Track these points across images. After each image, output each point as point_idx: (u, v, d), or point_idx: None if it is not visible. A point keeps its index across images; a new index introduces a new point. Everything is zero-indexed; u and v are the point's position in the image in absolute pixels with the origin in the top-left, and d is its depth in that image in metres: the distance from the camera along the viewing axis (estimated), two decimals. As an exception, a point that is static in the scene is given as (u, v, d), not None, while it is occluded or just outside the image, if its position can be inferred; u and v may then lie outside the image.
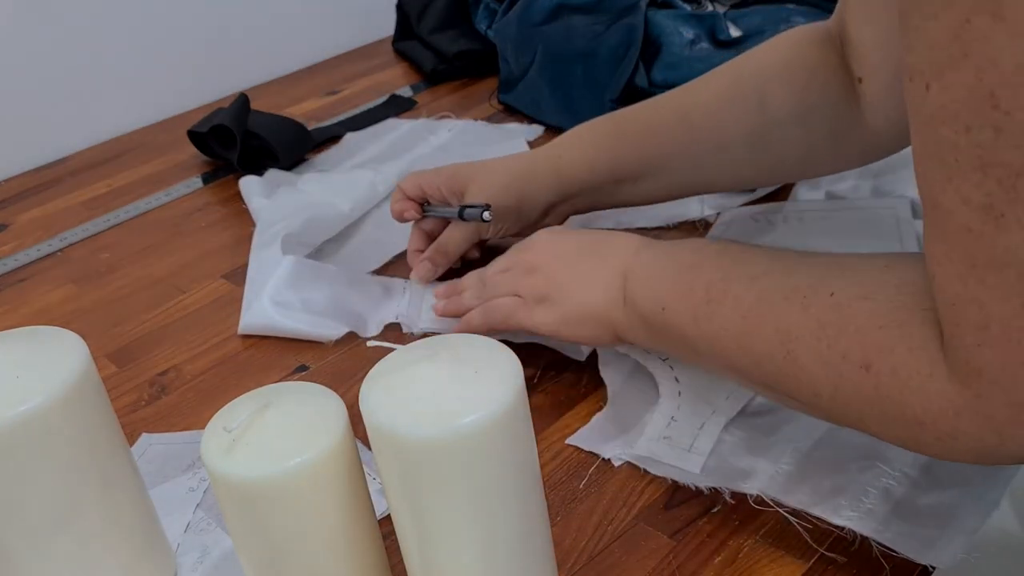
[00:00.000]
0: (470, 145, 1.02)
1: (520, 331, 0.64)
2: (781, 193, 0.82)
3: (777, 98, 0.67)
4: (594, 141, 0.74)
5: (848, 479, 0.53)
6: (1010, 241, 0.36)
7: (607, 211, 0.83)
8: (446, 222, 0.78)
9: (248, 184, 0.96)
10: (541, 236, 0.67)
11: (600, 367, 0.65)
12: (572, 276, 0.62)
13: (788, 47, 0.69)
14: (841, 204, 0.78)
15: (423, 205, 0.78)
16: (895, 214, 0.74)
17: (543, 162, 0.75)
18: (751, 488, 0.54)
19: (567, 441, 0.60)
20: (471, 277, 0.70)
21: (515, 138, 1.01)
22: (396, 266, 0.82)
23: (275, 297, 0.76)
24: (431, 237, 0.79)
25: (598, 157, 0.73)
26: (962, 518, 0.50)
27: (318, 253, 0.84)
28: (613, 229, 0.82)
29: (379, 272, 0.82)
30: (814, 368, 0.47)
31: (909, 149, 0.88)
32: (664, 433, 0.59)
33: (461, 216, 0.74)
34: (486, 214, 0.71)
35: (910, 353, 0.42)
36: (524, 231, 0.75)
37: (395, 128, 1.08)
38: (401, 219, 0.78)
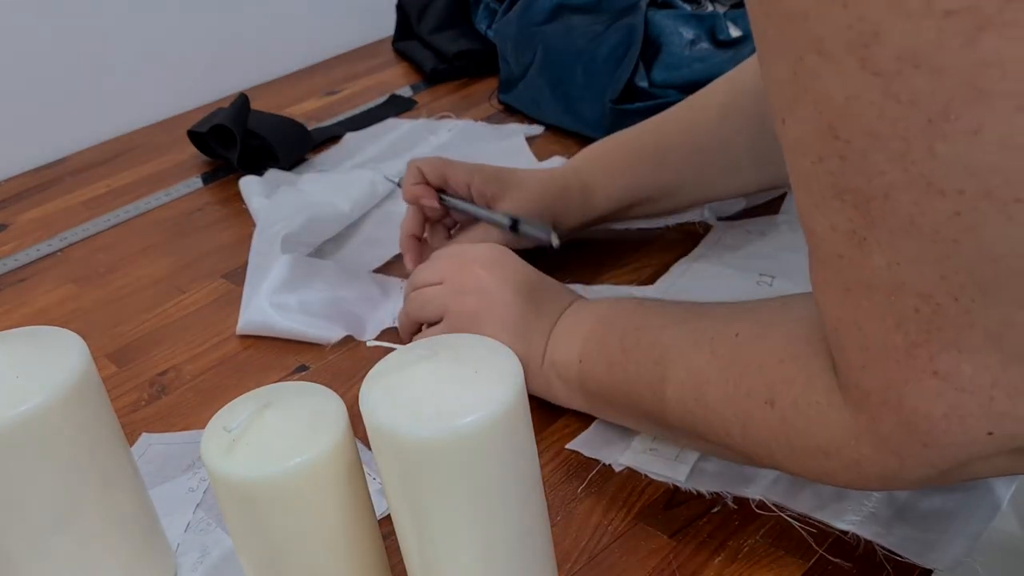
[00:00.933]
0: (471, 144, 1.02)
1: None
2: (779, 198, 0.82)
3: None
4: (616, 168, 0.75)
5: None
6: (875, 263, 0.36)
7: None
8: (446, 211, 0.76)
9: (248, 184, 0.96)
10: (477, 256, 0.63)
11: None
12: (502, 322, 0.60)
13: None
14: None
15: (441, 195, 0.75)
16: None
17: (576, 189, 0.74)
18: (753, 493, 0.54)
19: (568, 446, 0.60)
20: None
21: (514, 136, 1.01)
22: (395, 266, 0.82)
23: (272, 298, 0.76)
24: (426, 221, 0.77)
25: (622, 185, 0.74)
26: (964, 521, 0.50)
27: (318, 253, 0.84)
28: (614, 230, 0.83)
29: (378, 271, 0.82)
30: (723, 409, 0.48)
31: None
32: (651, 445, 0.59)
33: (514, 229, 0.71)
34: (555, 239, 0.70)
35: (808, 383, 0.43)
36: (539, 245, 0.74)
37: (395, 128, 1.08)
38: (415, 203, 0.75)
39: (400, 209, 0.88)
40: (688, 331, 0.51)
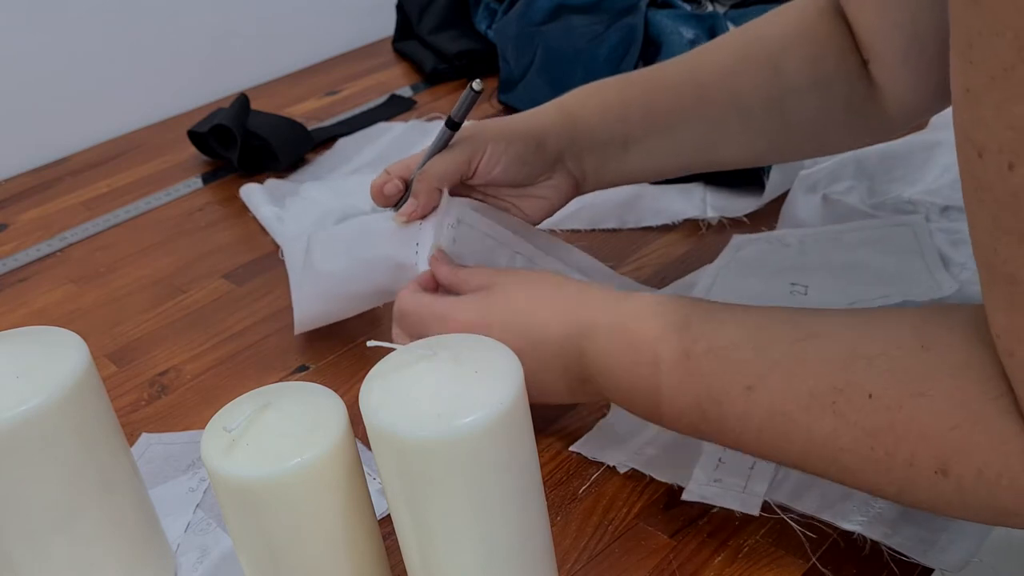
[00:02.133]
0: None
1: None
2: (779, 199, 0.82)
3: (792, 65, 0.64)
4: (604, 92, 0.68)
5: None
6: None
7: (611, 209, 0.83)
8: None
9: (251, 192, 0.96)
10: (461, 308, 0.58)
11: None
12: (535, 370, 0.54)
13: (797, 18, 0.66)
14: (854, 225, 0.76)
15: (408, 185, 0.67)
16: (912, 230, 0.73)
17: (555, 112, 0.67)
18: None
19: (571, 449, 0.60)
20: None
21: None
22: None
23: (316, 286, 0.71)
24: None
25: (608, 106, 0.67)
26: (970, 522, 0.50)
27: None
28: (618, 229, 0.83)
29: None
30: (871, 475, 0.43)
31: (900, 143, 0.87)
32: (714, 476, 0.56)
33: (453, 127, 0.63)
34: (477, 83, 0.60)
35: (995, 450, 0.38)
36: (525, 182, 0.66)
37: (388, 131, 1.08)
38: (380, 194, 0.66)
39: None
40: (789, 395, 0.44)
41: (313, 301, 0.71)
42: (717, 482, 0.55)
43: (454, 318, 0.57)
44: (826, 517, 0.51)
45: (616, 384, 0.52)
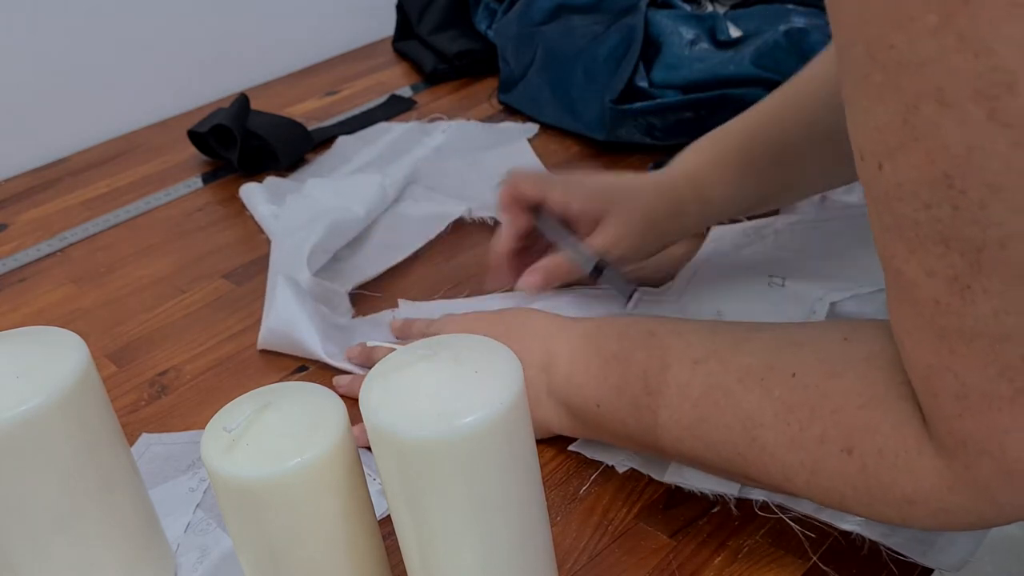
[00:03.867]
0: (469, 147, 1.02)
1: None
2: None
3: None
4: (736, 172, 0.69)
5: None
6: (978, 312, 0.35)
7: None
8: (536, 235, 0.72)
9: (250, 192, 0.95)
10: (457, 319, 0.64)
11: None
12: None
13: None
14: (831, 214, 0.77)
15: (538, 215, 0.70)
16: None
17: (692, 200, 0.69)
18: (757, 494, 0.53)
19: (570, 448, 0.59)
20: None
21: (515, 140, 1.01)
22: (408, 267, 0.82)
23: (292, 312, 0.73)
24: (523, 238, 0.72)
25: (744, 192, 0.69)
26: None
27: (334, 260, 0.82)
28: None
29: (394, 270, 0.81)
30: (785, 454, 0.45)
31: None
32: None
33: (597, 271, 0.67)
34: (631, 303, 0.65)
35: (895, 431, 0.41)
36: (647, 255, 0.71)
37: (388, 131, 1.08)
38: (506, 212, 0.71)
39: (411, 212, 0.89)
40: (726, 368, 0.48)
41: (273, 332, 0.73)
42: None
43: None
44: (824, 517, 0.51)
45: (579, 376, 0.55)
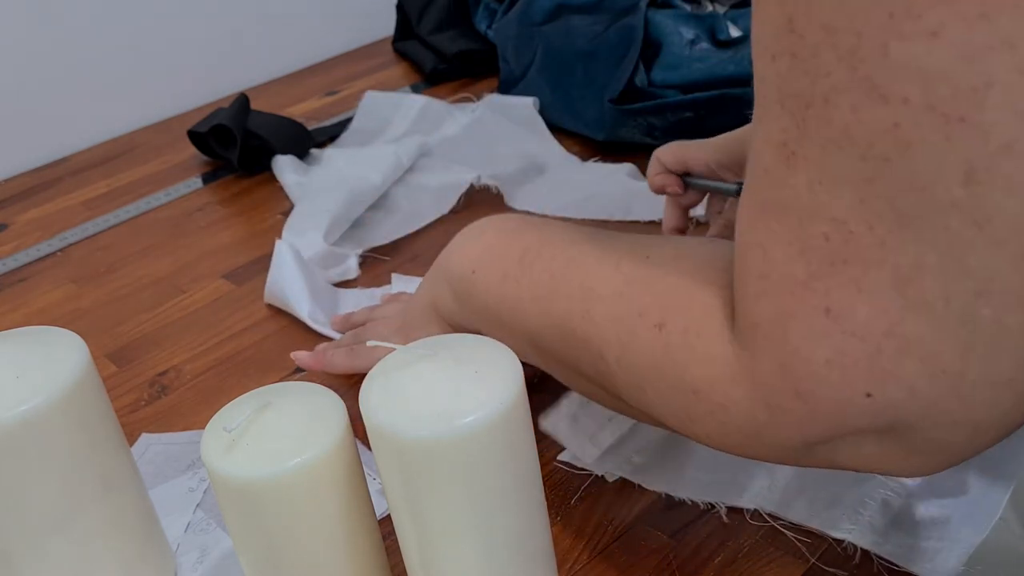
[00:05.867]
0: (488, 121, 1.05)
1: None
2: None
3: None
4: None
5: (845, 491, 0.52)
6: (796, 181, 0.34)
7: (620, 199, 0.85)
8: (703, 194, 0.74)
9: (280, 164, 1.00)
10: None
11: None
12: (416, 290, 0.63)
13: None
14: None
15: (684, 178, 0.73)
16: None
17: None
18: (747, 503, 0.53)
19: (558, 459, 0.58)
20: (361, 313, 0.73)
21: (526, 114, 1.03)
22: (426, 234, 0.87)
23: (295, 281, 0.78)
24: (687, 210, 0.75)
25: None
26: (961, 528, 0.49)
27: (355, 226, 0.88)
28: (625, 220, 0.84)
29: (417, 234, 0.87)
30: (607, 326, 0.44)
31: None
32: (574, 412, 0.57)
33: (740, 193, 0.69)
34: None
35: (704, 311, 0.40)
36: None
37: (415, 102, 1.10)
38: (661, 192, 0.74)
39: (427, 181, 0.94)
40: (595, 248, 0.48)
41: (271, 290, 0.79)
42: (574, 421, 0.58)
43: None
44: (815, 525, 0.51)
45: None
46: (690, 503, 0.54)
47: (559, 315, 0.48)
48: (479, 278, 0.54)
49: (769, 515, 0.52)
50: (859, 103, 0.31)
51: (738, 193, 0.66)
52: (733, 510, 0.53)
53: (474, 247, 0.56)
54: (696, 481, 0.55)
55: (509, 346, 0.51)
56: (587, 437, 0.57)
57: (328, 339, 0.74)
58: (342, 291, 0.81)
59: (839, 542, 0.50)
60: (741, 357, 0.38)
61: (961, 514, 0.50)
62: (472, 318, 0.56)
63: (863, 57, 0.31)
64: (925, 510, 0.51)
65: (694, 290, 0.41)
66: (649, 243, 0.46)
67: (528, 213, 0.88)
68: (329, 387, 0.48)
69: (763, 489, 0.54)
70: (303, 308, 0.76)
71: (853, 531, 0.50)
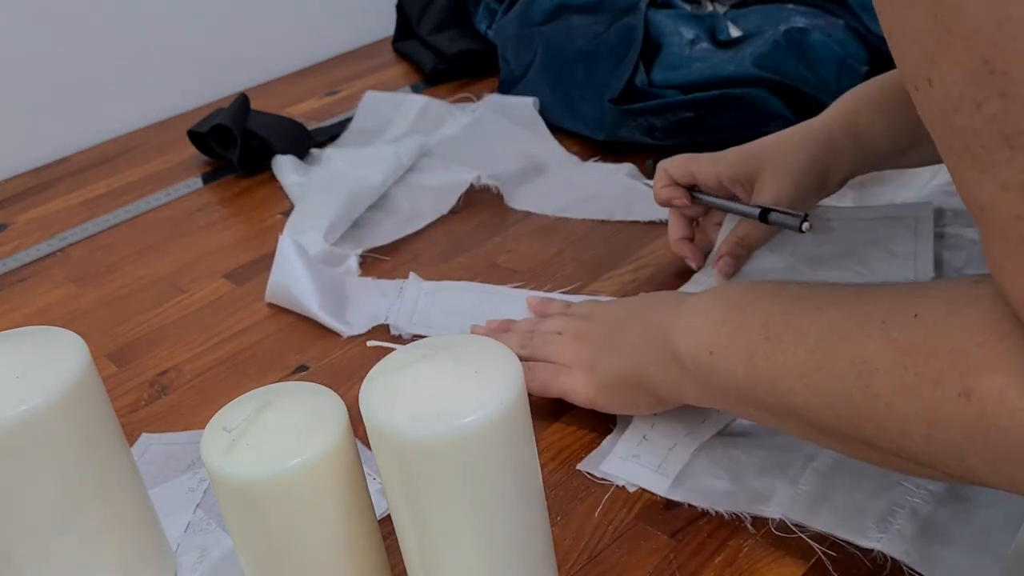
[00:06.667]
0: (488, 121, 1.05)
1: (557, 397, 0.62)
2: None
3: None
4: (892, 106, 0.68)
5: (871, 499, 0.51)
6: None
7: (618, 200, 0.85)
8: (704, 208, 0.74)
9: (280, 164, 1.00)
10: (596, 305, 0.64)
11: None
12: (612, 341, 0.59)
13: None
14: (859, 212, 0.75)
15: (691, 191, 0.72)
16: (915, 222, 0.72)
17: (841, 135, 0.68)
18: (773, 512, 0.52)
19: (579, 467, 0.58)
20: (524, 323, 0.69)
21: (525, 115, 1.03)
22: (426, 234, 0.87)
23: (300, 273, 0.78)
24: (692, 221, 0.75)
25: (901, 123, 0.67)
26: (990, 537, 0.48)
27: (355, 226, 0.88)
28: (624, 221, 0.84)
29: (418, 234, 0.87)
30: (900, 402, 0.40)
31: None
32: (634, 452, 0.58)
33: (764, 219, 0.66)
34: (805, 225, 0.64)
35: (1019, 371, 0.36)
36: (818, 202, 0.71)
37: (415, 101, 1.10)
38: (668, 206, 0.73)
39: (427, 182, 0.94)
40: (849, 313, 0.44)
41: (276, 287, 0.79)
42: (635, 457, 0.57)
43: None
44: (842, 535, 0.50)
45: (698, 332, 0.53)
46: (714, 513, 0.54)
47: (833, 393, 0.44)
48: (720, 359, 0.50)
49: (796, 526, 0.51)
50: None
51: (763, 218, 0.66)
52: (758, 521, 0.53)
53: (703, 325, 0.52)
54: (718, 491, 0.55)
55: (776, 428, 0.51)
56: (653, 470, 0.56)
57: (338, 333, 0.74)
58: (350, 281, 0.80)
59: (841, 542, 0.50)
60: None
61: (990, 521, 0.49)
62: (717, 401, 0.53)
63: None
64: (953, 518, 0.50)
65: (992, 348, 0.37)
66: (906, 296, 0.43)
67: (528, 213, 0.88)
68: (329, 387, 0.48)
69: (787, 498, 0.53)
70: (312, 301, 0.76)
71: (883, 540, 0.49)
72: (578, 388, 0.60)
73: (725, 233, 0.71)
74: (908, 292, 0.43)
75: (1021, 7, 0.30)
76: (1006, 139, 0.32)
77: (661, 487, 0.55)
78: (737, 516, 0.53)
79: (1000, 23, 0.31)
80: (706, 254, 0.75)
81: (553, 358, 0.62)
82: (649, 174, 0.85)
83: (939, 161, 0.71)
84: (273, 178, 1.01)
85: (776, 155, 0.68)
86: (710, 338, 0.51)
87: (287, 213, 0.93)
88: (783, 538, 0.52)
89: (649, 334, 0.56)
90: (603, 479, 0.57)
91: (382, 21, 1.36)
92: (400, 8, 1.31)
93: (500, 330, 0.69)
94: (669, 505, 0.55)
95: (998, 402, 0.37)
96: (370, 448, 0.45)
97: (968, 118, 0.33)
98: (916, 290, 0.43)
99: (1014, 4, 0.30)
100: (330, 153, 1.01)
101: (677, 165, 0.72)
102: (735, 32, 0.96)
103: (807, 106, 0.88)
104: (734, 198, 0.70)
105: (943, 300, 0.40)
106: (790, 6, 0.96)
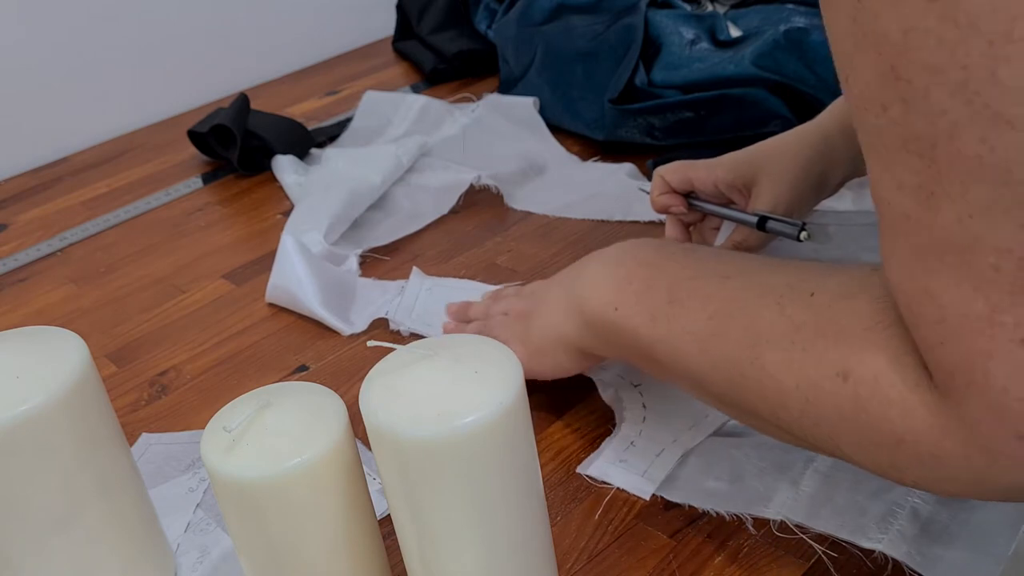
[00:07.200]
0: (489, 121, 1.05)
1: None
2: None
3: None
4: None
5: (872, 500, 0.51)
6: (944, 220, 0.33)
7: (616, 200, 0.85)
8: (702, 214, 0.74)
9: (280, 164, 1.00)
10: (540, 282, 0.65)
11: (600, 392, 0.64)
12: (539, 309, 0.61)
13: None
14: (856, 217, 0.75)
15: (688, 198, 0.72)
16: None
17: (837, 137, 0.68)
18: (773, 513, 0.52)
19: (578, 471, 0.58)
20: (480, 306, 0.69)
21: (526, 115, 1.03)
22: (426, 234, 0.87)
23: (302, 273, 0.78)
24: (690, 226, 0.75)
25: None
26: (990, 537, 0.48)
27: (355, 226, 0.88)
28: (621, 220, 0.84)
29: (418, 234, 0.87)
30: (783, 376, 0.42)
31: None
32: (621, 456, 0.58)
33: (762, 228, 0.66)
34: (803, 234, 0.64)
35: (895, 360, 0.38)
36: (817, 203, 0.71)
37: (415, 101, 1.10)
38: (664, 213, 0.73)
39: (427, 182, 0.94)
40: (752, 283, 0.46)
41: (276, 287, 0.79)
42: (623, 462, 0.57)
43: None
44: (844, 536, 0.50)
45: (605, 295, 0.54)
46: (715, 514, 0.54)
47: (724, 360, 0.46)
48: (623, 316, 0.52)
49: (797, 527, 0.51)
50: (985, 133, 0.31)
51: (761, 227, 0.66)
52: (759, 522, 0.53)
53: (609, 282, 0.53)
54: (719, 493, 0.55)
55: (670, 383, 0.52)
56: (639, 475, 0.57)
57: (339, 333, 0.74)
58: (352, 280, 0.80)
59: (842, 543, 0.50)
60: (945, 406, 0.36)
61: (990, 522, 0.49)
62: (620, 354, 0.55)
63: (976, 89, 0.31)
64: (954, 518, 0.50)
65: (877, 335, 0.39)
66: (808, 275, 0.44)
67: (528, 213, 0.88)
68: (329, 387, 0.48)
69: (788, 500, 0.53)
70: (314, 300, 0.76)
71: (884, 541, 0.49)
72: (515, 348, 0.60)
73: (722, 239, 0.71)
74: (812, 271, 0.45)
75: (927, 19, 0.31)
76: (904, 143, 0.34)
77: (646, 492, 0.55)
78: (737, 517, 0.53)
79: (907, 32, 0.32)
80: None
81: (501, 339, 0.63)
82: (649, 176, 0.85)
83: None
84: (273, 178, 1.01)
85: (773, 160, 0.68)
86: (616, 295, 0.52)
87: (287, 213, 0.93)
88: (783, 538, 0.52)
89: (563, 293, 0.58)
90: (603, 480, 0.57)
91: (382, 21, 1.36)
92: (400, 8, 1.32)
93: (460, 315, 0.71)
94: (669, 505, 0.55)
95: (872, 387, 0.38)
96: (370, 448, 0.45)
97: (875, 118, 0.35)
98: (820, 270, 0.44)
99: (920, 15, 0.31)
100: (330, 153, 1.01)
101: (674, 172, 0.71)
102: (735, 32, 0.96)
103: (807, 106, 0.88)
104: (731, 204, 0.70)
105: (840, 283, 0.42)
106: (790, 6, 0.96)
